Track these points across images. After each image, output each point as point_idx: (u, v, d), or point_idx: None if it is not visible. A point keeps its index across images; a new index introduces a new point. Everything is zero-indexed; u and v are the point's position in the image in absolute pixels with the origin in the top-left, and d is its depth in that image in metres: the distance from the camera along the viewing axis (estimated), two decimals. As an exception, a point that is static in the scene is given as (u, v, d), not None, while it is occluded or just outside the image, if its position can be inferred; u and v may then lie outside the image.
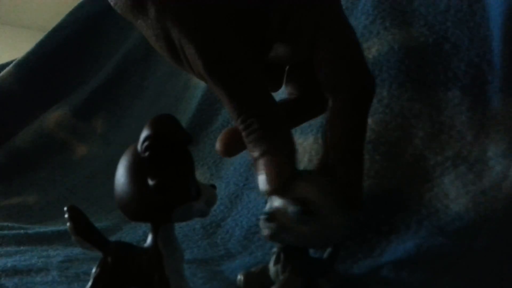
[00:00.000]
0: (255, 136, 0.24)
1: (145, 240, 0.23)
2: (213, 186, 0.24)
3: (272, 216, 0.24)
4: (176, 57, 0.25)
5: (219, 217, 0.42)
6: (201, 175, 0.50)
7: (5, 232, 0.45)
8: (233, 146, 0.28)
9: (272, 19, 0.25)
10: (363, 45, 0.38)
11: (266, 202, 0.26)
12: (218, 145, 0.28)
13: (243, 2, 0.25)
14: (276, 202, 0.24)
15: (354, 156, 0.25)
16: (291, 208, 0.23)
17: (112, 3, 0.25)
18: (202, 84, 0.61)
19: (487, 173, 0.30)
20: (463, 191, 0.30)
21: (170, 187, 0.21)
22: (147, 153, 0.21)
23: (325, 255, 0.27)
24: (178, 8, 0.24)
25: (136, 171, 0.21)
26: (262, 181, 0.24)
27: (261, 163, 0.24)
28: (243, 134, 0.24)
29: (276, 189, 0.23)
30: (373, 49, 0.37)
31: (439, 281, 0.25)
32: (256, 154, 0.24)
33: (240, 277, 0.26)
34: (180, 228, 0.42)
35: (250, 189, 0.43)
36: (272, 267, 0.25)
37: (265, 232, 0.24)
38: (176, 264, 0.22)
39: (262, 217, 0.24)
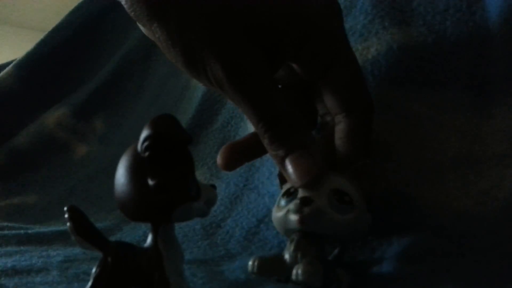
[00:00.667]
0: (279, 136, 0.25)
1: (145, 240, 0.23)
2: (213, 186, 0.24)
3: (310, 199, 0.24)
4: (192, 66, 0.25)
5: (219, 217, 0.42)
6: (201, 175, 0.50)
7: (5, 232, 0.45)
8: (234, 160, 0.30)
9: (291, 37, 0.26)
10: (362, 45, 0.38)
11: (283, 196, 0.26)
12: (219, 159, 0.30)
13: (262, 16, 0.26)
14: (308, 192, 0.25)
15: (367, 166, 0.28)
16: (330, 197, 0.24)
17: (126, 6, 0.25)
18: (202, 85, 0.61)
19: (487, 173, 0.30)
20: (463, 191, 0.30)
21: (170, 187, 0.21)
22: (147, 153, 0.21)
23: (331, 256, 0.27)
24: (199, 17, 0.24)
25: (136, 171, 0.21)
26: (295, 175, 0.24)
27: (290, 159, 0.25)
28: (265, 136, 0.25)
29: (312, 180, 0.24)
30: (372, 48, 0.37)
31: (439, 282, 0.25)
32: (281, 153, 0.25)
33: (253, 261, 0.26)
34: (180, 229, 0.42)
35: (250, 190, 0.43)
36: (290, 254, 0.25)
37: (295, 217, 0.24)
38: (176, 264, 0.22)
39: (297, 201, 0.24)
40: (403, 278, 0.26)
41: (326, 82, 0.29)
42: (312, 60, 0.28)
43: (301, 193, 0.25)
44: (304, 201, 0.24)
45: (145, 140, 0.21)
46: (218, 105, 0.56)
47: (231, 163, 0.30)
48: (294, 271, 0.23)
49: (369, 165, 0.28)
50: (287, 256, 0.25)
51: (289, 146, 0.25)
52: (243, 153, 0.30)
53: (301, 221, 0.24)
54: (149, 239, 0.22)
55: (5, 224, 0.51)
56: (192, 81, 0.65)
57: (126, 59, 0.79)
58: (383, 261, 0.28)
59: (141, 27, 0.27)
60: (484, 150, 0.31)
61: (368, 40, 0.38)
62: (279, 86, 0.31)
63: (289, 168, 0.25)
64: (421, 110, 0.34)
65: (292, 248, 0.25)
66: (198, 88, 0.61)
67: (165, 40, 0.25)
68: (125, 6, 0.25)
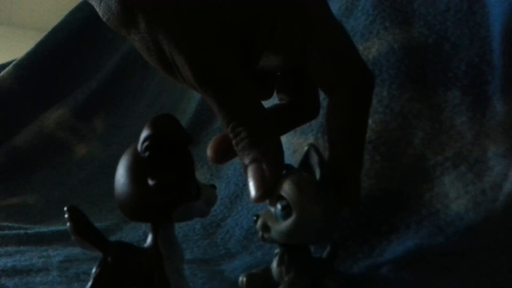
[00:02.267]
0: (244, 144, 0.24)
1: (145, 240, 0.23)
2: (213, 186, 0.24)
3: (257, 216, 0.25)
4: (168, 69, 0.25)
5: (219, 217, 0.42)
6: (201, 175, 0.50)
7: (5, 232, 0.45)
8: (224, 153, 0.29)
9: (260, 28, 0.26)
10: (363, 45, 0.38)
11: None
12: (209, 152, 0.29)
13: (231, 14, 0.25)
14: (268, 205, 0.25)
15: (353, 152, 0.25)
16: (275, 206, 0.24)
17: (104, 19, 0.25)
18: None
19: (487, 173, 0.30)
20: (463, 191, 0.30)
21: (170, 187, 0.21)
22: (147, 153, 0.21)
23: (325, 254, 0.27)
24: (167, 20, 0.24)
25: (136, 171, 0.21)
26: (251, 188, 0.24)
27: (250, 170, 0.24)
28: (233, 142, 0.25)
29: (263, 196, 0.24)
30: (373, 49, 0.37)
31: (439, 282, 0.25)
32: (246, 161, 0.24)
33: (242, 278, 0.26)
34: (180, 228, 0.42)
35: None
36: (275, 268, 0.25)
37: (259, 233, 0.25)
38: (176, 264, 0.22)
39: (253, 219, 0.25)
40: (402, 278, 0.26)
41: (307, 62, 0.26)
42: (286, 43, 0.26)
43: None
44: (254, 220, 0.25)
45: (145, 140, 0.21)
46: (218, 105, 0.55)
47: (221, 156, 0.29)
48: None
49: (352, 168, 0.25)
50: (273, 270, 0.25)
51: (253, 155, 0.24)
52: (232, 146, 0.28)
53: (261, 238, 0.25)
54: (149, 239, 0.22)
55: (5, 224, 0.51)
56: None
57: (126, 59, 0.79)
58: (382, 261, 0.28)
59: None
60: (484, 150, 0.31)
61: (369, 40, 0.38)
62: (278, 74, 0.31)
63: (249, 178, 0.24)
64: (421, 110, 0.34)
65: (276, 262, 0.25)
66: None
67: (141, 47, 0.25)
68: (104, 19, 0.26)
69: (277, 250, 0.26)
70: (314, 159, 0.24)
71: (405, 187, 0.31)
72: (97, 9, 0.26)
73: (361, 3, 0.40)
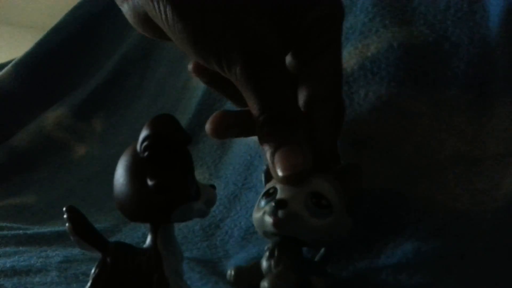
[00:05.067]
0: (277, 129, 0.24)
1: (144, 241, 0.23)
2: (213, 186, 0.24)
3: (285, 202, 0.24)
4: (201, 44, 0.24)
5: (218, 218, 0.42)
6: (200, 175, 0.50)
7: (4, 232, 0.45)
8: (223, 128, 0.28)
9: (304, 20, 0.26)
10: (362, 43, 0.38)
11: (263, 197, 0.26)
12: (208, 125, 0.28)
13: (285, 3, 0.26)
14: (286, 194, 0.24)
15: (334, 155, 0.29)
16: (308, 200, 0.24)
17: None
18: (202, 84, 0.61)
19: (486, 172, 0.30)
20: (462, 191, 0.30)
21: (170, 187, 0.21)
22: (146, 153, 0.21)
23: (317, 257, 0.27)
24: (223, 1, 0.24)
25: (135, 171, 0.21)
26: (281, 168, 0.24)
27: (280, 152, 0.24)
28: (264, 128, 0.24)
29: (297, 177, 0.24)
30: (372, 46, 0.37)
31: (437, 282, 0.25)
32: (273, 145, 0.24)
33: (230, 271, 0.26)
34: (180, 230, 0.42)
35: (248, 189, 0.43)
36: (264, 262, 0.25)
37: (271, 219, 0.24)
38: (176, 264, 0.22)
39: (272, 204, 0.24)
40: (400, 280, 0.26)
41: (310, 69, 0.28)
42: (313, 44, 0.27)
43: (279, 195, 0.25)
44: (279, 204, 0.23)
45: (144, 140, 0.21)
46: (218, 104, 0.56)
47: (220, 131, 0.28)
48: (261, 284, 0.23)
49: (357, 167, 0.27)
50: (263, 265, 0.25)
51: (283, 140, 0.24)
52: (234, 124, 0.28)
53: (276, 224, 0.24)
54: (149, 239, 0.22)
55: (4, 224, 0.51)
56: (192, 81, 0.64)
57: (125, 58, 0.79)
58: (378, 260, 0.28)
59: (125, 9, 0.27)
60: (483, 149, 0.31)
61: (368, 38, 0.38)
62: None
63: (276, 161, 0.24)
64: (420, 109, 0.33)
65: (265, 257, 0.25)
66: (198, 88, 0.61)
67: (175, 20, 0.24)
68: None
69: (268, 245, 0.25)
70: (355, 180, 0.26)
71: (403, 186, 0.31)
72: None
73: (361, 1, 0.40)
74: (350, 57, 0.37)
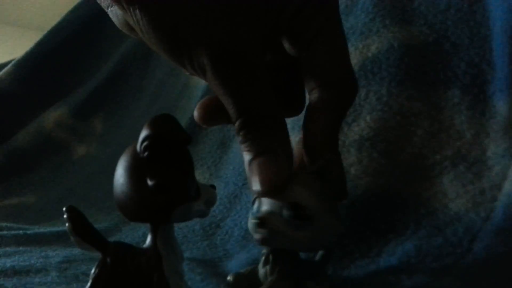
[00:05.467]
0: (253, 135, 0.23)
1: (144, 241, 0.23)
2: (213, 187, 0.24)
3: (263, 220, 0.23)
4: (174, 51, 0.24)
5: (218, 217, 0.42)
6: (200, 175, 0.50)
7: (4, 232, 0.45)
8: (211, 115, 0.27)
9: (286, 10, 0.25)
10: (363, 43, 0.38)
11: (253, 204, 0.25)
12: (196, 112, 0.27)
13: None
14: (267, 205, 0.24)
15: (333, 146, 0.26)
16: (285, 213, 0.23)
17: None
18: (202, 84, 0.61)
19: (487, 172, 0.30)
20: (462, 191, 0.30)
21: (170, 187, 0.21)
22: (146, 153, 0.21)
23: (317, 257, 0.27)
24: (186, 2, 0.23)
25: (135, 171, 0.21)
26: (257, 181, 0.23)
27: (257, 163, 0.23)
28: (240, 133, 0.23)
29: (272, 190, 0.23)
30: (372, 46, 0.37)
31: (437, 282, 0.25)
32: (252, 154, 0.23)
33: (229, 278, 0.26)
34: (179, 229, 0.42)
35: (249, 189, 0.43)
36: (261, 269, 0.25)
37: (257, 236, 0.24)
38: (175, 264, 0.22)
39: (252, 221, 0.23)
40: (400, 279, 0.26)
41: (308, 54, 0.26)
42: (301, 31, 0.26)
43: (259, 206, 0.24)
44: (259, 224, 0.23)
45: (144, 140, 0.21)
46: (218, 104, 0.55)
47: (207, 117, 0.27)
48: None
49: (335, 161, 0.25)
50: (259, 271, 0.25)
51: (260, 148, 0.23)
52: (221, 111, 0.26)
53: (261, 242, 0.23)
54: (148, 239, 0.22)
55: (4, 224, 0.51)
56: (192, 80, 0.64)
57: (125, 58, 0.79)
58: (379, 260, 0.28)
59: (112, 13, 0.26)
60: (483, 150, 0.31)
61: (369, 38, 0.38)
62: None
63: (253, 172, 0.23)
64: (420, 109, 0.33)
65: (260, 264, 0.25)
66: (198, 88, 0.61)
67: (146, 24, 0.23)
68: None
69: (264, 251, 0.25)
70: (334, 172, 0.24)
71: (403, 186, 0.31)
72: None
73: (361, 1, 0.40)
74: (350, 57, 0.37)
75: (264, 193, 0.23)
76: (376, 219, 0.31)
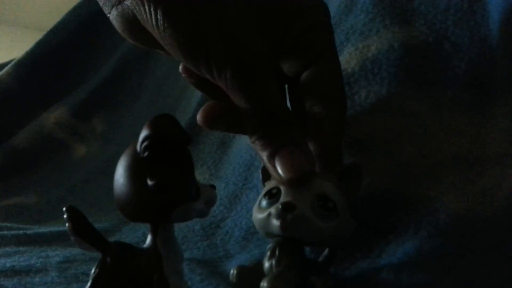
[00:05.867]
0: (273, 132, 0.24)
1: (144, 241, 0.23)
2: (213, 187, 0.24)
3: (293, 205, 0.23)
4: (191, 48, 0.24)
5: (218, 217, 0.42)
6: (201, 175, 0.50)
7: (4, 232, 0.45)
8: (214, 119, 0.28)
9: (295, 27, 0.27)
10: (363, 43, 0.38)
11: (266, 196, 0.25)
12: (199, 115, 0.28)
13: (270, 8, 0.26)
14: (291, 196, 0.24)
15: (339, 154, 0.29)
16: (314, 202, 0.23)
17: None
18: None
19: (487, 172, 0.30)
20: (462, 191, 0.30)
21: (170, 187, 0.21)
22: (146, 153, 0.21)
23: (321, 258, 0.27)
24: (212, 3, 0.24)
25: (135, 171, 0.21)
26: (284, 169, 0.23)
27: (281, 155, 0.24)
28: (258, 130, 0.24)
29: (302, 177, 0.23)
30: (372, 47, 0.37)
31: (438, 282, 0.25)
32: (273, 148, 0.24)
33: (232, 271, 0.26)
34: (180, 229, 0.42)
35: (249, 189, 0.43)
36: (266, 262, 0.25)
37: (278, 222, 0.23)
38: (176, 264, 0.22)
39: (278, 206, 0.23)
40: (401, 279, 0.26)
41: (312, 71, 0.28)
42: (308, 48, 0.28)
43: (284, 197, 0.24)
44: (287, 207, 0.23)
45: (144, 140, 0.21)
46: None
47: (209, 122, 0.28)
48: (261, 284, 0.23)
49: (358, 166, 0.26)
50: (264, 265, 0.25)
51: (281, 142, 0.24)
52: (224, 116, 0.28)
53: (284, 227, 0.23)
54: (149, 239, 0.22)
55: (4, 224, 0.51)
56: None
57: (125, 58, 0.79)
58: (380, 261, 0.28)
59: (113, 16, 0.26)
60: (484, 149, 0.31)
61: (368, 38, 0.38)
62: None
63: (278, 163, 0.24)
64: (421, 109, 0.33)
65: (265, 258, 0.25)
66: (198, 88, 0.61)
67: (166, 25, 0.24)
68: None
69: (270, 245, 0.25)
70: (357, 178, 0.26)
71: (404, 186, 0.31)
72: None
73: (361, 1, 0.40)
74: (350, 57, 0.37)
75: (293, 180, 0.24)
76: (376, 220, 0.31)
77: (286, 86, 0.32)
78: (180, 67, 0.30)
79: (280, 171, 0.24)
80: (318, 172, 0.26)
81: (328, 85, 0.29)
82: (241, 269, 0.26)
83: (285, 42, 0.27)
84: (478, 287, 0.24)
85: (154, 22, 0.24)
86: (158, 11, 0.24)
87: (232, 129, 0.30)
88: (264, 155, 0.24)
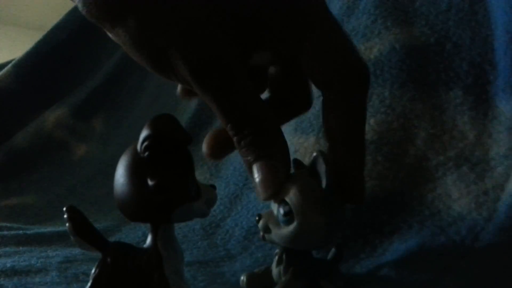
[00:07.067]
0: (248, 141, 0.23)
1: (144, 240, 0.23)
2: (213, 187, 0.24)
3: (259, 216, 0.25)
4: (159, 67, 0.24)
5: (218, 217, 0.42)
6: (201, 175, 0.50)
7: (4, 232, 0.45)
8: (220, 148, 0.28)
9: (260, 25, 0.25)
10: (365, 45, 0.38)
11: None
12: (205, 148, 0.28)
13: (230, 10, 0.24)
14: (272, 204, 0.25)
15: (354, 149, 0.25)
16: (278, 209, 0.24)
17: (83, 11, 0.24)
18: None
19: (489, 173, 0.30)
20: (465, 192, 0.30)
21: (170, 187, 0.21)
22: (146, 153, 0.21)
23: (329, 256, 0.27)
24: (165, 16, 0.23)
25: (136, 171, 0.21)
26: (259, 186, 0.23)
27: (256, 168, 0.23)
28: (235, 139, 0.24)
29: (272, 196, 0.23)
30: (374, 49, 0.37)
31: (441, 282, 0.25)
32: (250, 159, 0.23)
33: (243, 278, 0.26)
34: (180, 229, 0.41)
35: (249, 189, 0.43)
36: (274, 268, 0.25)
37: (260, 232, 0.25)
38: (176, 264, 0.22)
39: (256, 218, 0.25)
40: (404, 279, 0.26)
41: (304, 57, 0.26)
42: (283, 39, 0.26)
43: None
44: (256, 220, 0.25)
45: (144, 140, 0.21)
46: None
47: (217, 152, 0.28)
48: None
49: (322, 155, 0.24)
50: (273, 271, 0.26)
51: (256, 152, 0.23)
52: (229, 141, 0.27)
53: (262, 238, 0.25)
54: (149, 239, 0.22)
55: (4, 224, 0.50)
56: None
57: (125, 58, 0.79)
58: (384, 260, 0.28)
59: (107, 32, 0.27)
60: (486, 150, 0.31)
61: (370, 40, 0.38)
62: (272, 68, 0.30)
63: (255, 177, 0.23)
64: (423, 110, 0.33)
65: (274, 264, 0.25)
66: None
67: (129, 43, 0.24)
68: (83, 12, 0.24)
69: (277, 250, 0.26)
70: (322, 167, 0.23)
71: (407, 188, 0.31)
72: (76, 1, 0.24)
73: (363, 3, 0.40)
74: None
75: (265, 199, 0.24)
76: (380, 220, 0.31)
77: (281, 67, 0.30)
78: (178, 90, 0.29)
79: (257, 189, 0.24)
80: (291, 174, 0.25)
81: (325, 65, 0.25)
82: (250, 276, 0.26)
83: (265, 37, 0.26)
84: (479, 285, 0.24)
85: (120, 42, 0.24)
86: (124, 36, 0.24)
87: None
88: (244, 162, 0.24)
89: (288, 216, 0.23)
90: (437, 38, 0.36)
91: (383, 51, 0.36)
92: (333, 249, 0.27)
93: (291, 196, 0.23)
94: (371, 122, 0.34)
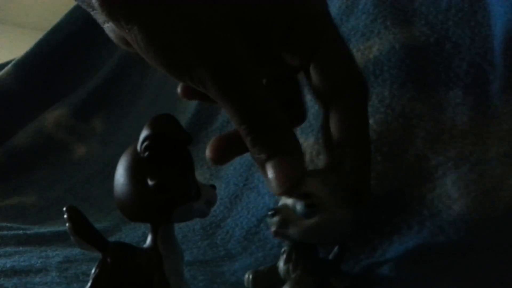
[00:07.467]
0: (262, 139, 0.24)
1: (144, 241, 0.23)
2: (213, 187, 0.24)
3: (276, 211, 0.24)
4: (173, 67, 0.24)
5: (219, 217, 0.42)
6: (201, 175, 0.50)
7: (4, 232, 0.45)
8: (224, 153, 0.28)
9: (279, 24, 0.26)
10: (364, 45, 0.38)
11: (278, 202, 0.26)
12: (208, 153, 0.28)
13: (249, 9, 0.25)
14: (285, 200, 0.25)
15: (362, 152, 0.26)
16: (296, 203, 0.24)
17: (98, 5, 0.24)
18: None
19: (489, 173, 0.30)
20: (465, 192, 0.30)
21: (170, 187, 0.21)
22: (146, 153, 0.21)
23: (331, 255, 0.27)
24: (185, 19, 0.23)
25: (136, 171, 0.21)
26: (273, 183, 0.23)
27: (270, 166, 0.23)
28: (249, 139, 0.24)
29: (288, 190, 0.23)
30: (374, 48, 0.37)
31: (440, 282, 0.25)
32: (263, 157, 0.24)
33: (248, 275, 0.26)
34: (180, 229, 0.41)
35: (250, 189, 0.43)
36: (282, 266, 0.25)
37: (272, 228, 0.24)
38: (176, 264, 0.22)
39: (268, 213, 0.24)
40: (404, 279, 0.26)
41: (314, 63, 0.27)
42: (300, 44, 0.27)
43: (280, 202, 0.25)
44: (271, 214, 0.24)
45: (144, 140, 0.21)
46: (218, 104, 0.55)
47: (221, 157, 0.28)
48: None
49: (340, 155, 0.26)
50: (280, 268, 0.25)
51: (271, 150, 0.24)
52: (233, 146, 0.28)
53: (275, 233, 0.24)
54: (149, 239, 0.22)
55: (4, 224, 0.50)
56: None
57: (125, 58, 0.79)
58: (384, 261, 0.28)
59: (108, 28, 0.26)
60: (486, 150, 0.31)
61: (370, 40, 0.38)
62: (264, 81, 0.30)
63: (270, 173, 0.24)
64: (423, 110, 0.33)
65: (282, 260, 0.25)
66: (198, 88, 0.61)
67: (144, 42, 0.24)
68: (96, 5, 0.24)
69: (284, 248, 0.26)
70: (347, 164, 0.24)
71: (407, 188, 0.31)
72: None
73: (362, 2, 0.40)
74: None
75: (281, 194, 0.24)
76: (380, 221, 0.31)
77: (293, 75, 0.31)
78: (178, 90, 0.29)
79: (271, 184, 0.24)
80: (309, 170, 0.26)
81: (334, 71, 0.27)
82: (256, 273, 0.26)
83: (275, 42, 0.27)
84: (479, 286, 0.24)
85: (136, 44, 0.24)
86: (138, 34, 0.23)
87: (243, 152, 0.29)
88: (257, 163, 0.24)
89: (312, 209, 0.23)
90: (437, 38, 0.36)
91: (382, 51, 0.36)
92: (335, 249, 0.27)
93: (316, 189, 0.24)
94: (370, 122, 0.34)
